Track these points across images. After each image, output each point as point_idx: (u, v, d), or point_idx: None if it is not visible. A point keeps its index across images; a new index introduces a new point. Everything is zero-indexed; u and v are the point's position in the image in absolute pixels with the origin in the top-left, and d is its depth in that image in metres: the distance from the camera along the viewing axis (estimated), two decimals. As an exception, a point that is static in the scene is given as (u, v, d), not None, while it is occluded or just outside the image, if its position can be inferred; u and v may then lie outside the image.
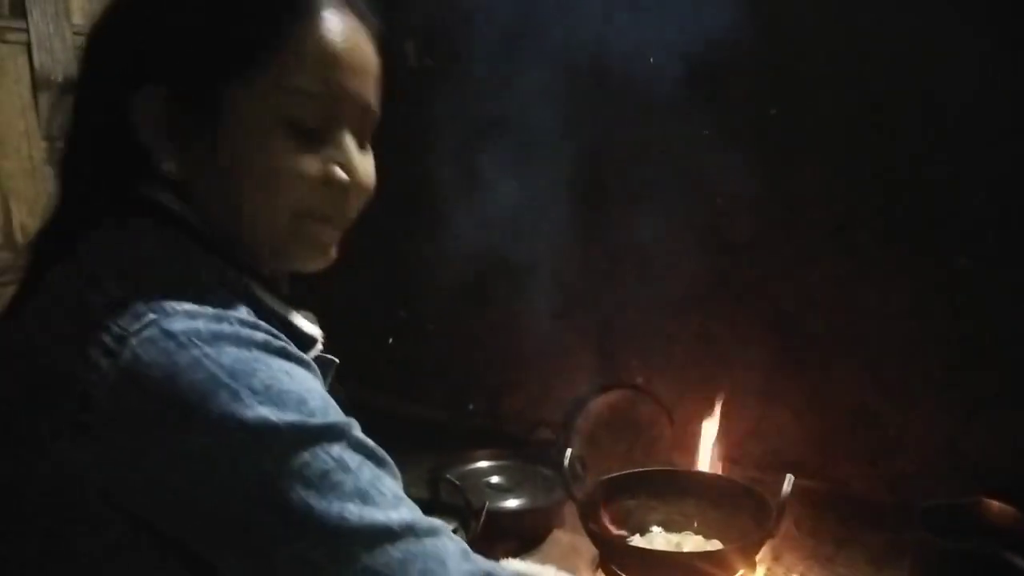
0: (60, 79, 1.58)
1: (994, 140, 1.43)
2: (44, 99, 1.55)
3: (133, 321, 0.52)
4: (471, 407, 2.02)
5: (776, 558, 1.41)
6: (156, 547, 0.53)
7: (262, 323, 0.56)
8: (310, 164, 0.62)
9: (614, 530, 1.38)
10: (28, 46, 1.52)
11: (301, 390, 0.54)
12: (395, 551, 0.53)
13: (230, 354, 0.52)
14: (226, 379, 0.50)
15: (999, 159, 1.43)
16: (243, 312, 0.56)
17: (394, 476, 0.58)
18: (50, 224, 0.64)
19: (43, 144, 1.55)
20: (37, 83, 1.54)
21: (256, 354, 0.53)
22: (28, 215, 1.54)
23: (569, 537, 1.49)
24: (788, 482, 1.24)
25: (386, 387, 2.11)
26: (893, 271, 1.55)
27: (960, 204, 1.48)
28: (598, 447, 1.73)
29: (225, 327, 0.53)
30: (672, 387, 1.75)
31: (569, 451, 1.45)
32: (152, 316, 0.52)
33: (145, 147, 0.60)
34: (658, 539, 1.38)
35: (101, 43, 0.64)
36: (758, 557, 1.30)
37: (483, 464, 1.71)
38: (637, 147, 1.73)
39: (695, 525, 1.41)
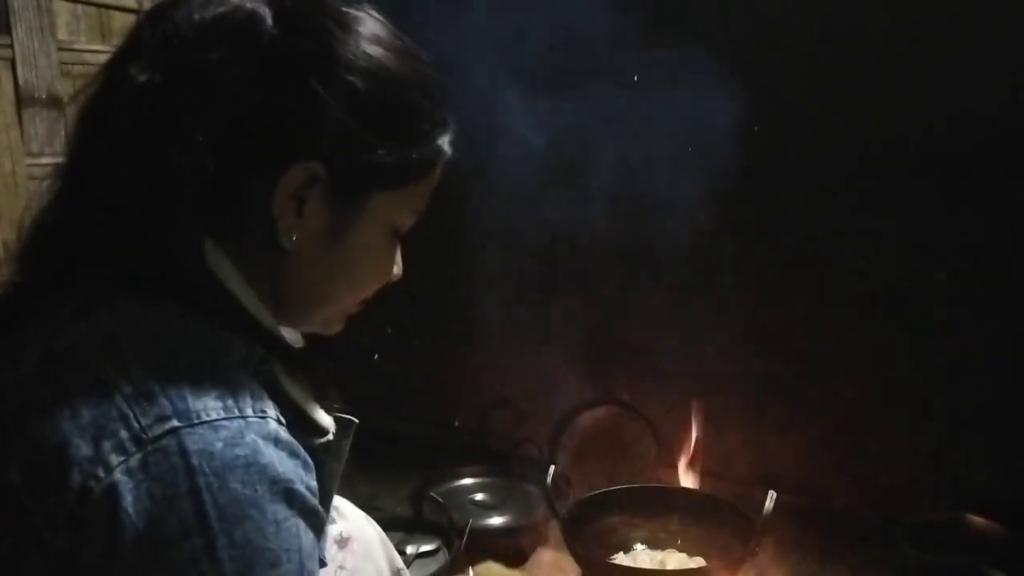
0: (44, 95, 1.58)
1: (975, 158, 1.44)
2: (28, 115, 1.55)
3: (155, 424, 0.50)
4: (457, 424, 2.02)
5: (760, 575, 1.41)
6: None
7: (283, 433, 0.54)
8: (395, 263, 0.71)
9: (596, 548, 1.37)
10: (12, 62, 1.52)
11: (280, 550, 0.51)
12: None
13: (231, 492, 0.49)
14: (212, 520, 0.49)
15: (980, 177, 1.45)
16: (269, 418, 0.54)
17: None
18: (69, 247, 0.58)
19: (26, 160, 1.55)
20: (21, 99, 1.53)
21: (259, 497, 0.50)
22: (11, 232, 1.53)
23: (553, 555, 1.48)
24: (770, 499, 1.24)
25: (373, 404, 2.09)
26: (875, 286, 1.56)
27: (941, 220, 1.49)
28: (584, 463, 1.73)
29: (242, 452, 0.50)
30: (658, 404, 1.75)
31: (552, 468, 1.44)
32: (175, 423, 0.50)
33: (272, 215, 0.59)
34: (642, 556, 1.38)
35: (273, 100, 0.58)
36: (741, 574, 1.29)
37: (468, 481, 1.71)
38: (622, 163, 1.74)
39: (679, 542, 1.41)
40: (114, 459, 0.49)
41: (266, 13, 0.58)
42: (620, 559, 1.37)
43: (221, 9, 0.58)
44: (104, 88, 0.59)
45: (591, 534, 1.39)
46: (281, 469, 0.52)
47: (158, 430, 0.49)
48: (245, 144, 0.58)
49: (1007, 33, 1.38)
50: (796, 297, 1.62)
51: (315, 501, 0.55)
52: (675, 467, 1.57)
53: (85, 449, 0.49)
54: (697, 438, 1.53)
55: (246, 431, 0.51)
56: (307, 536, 0.54)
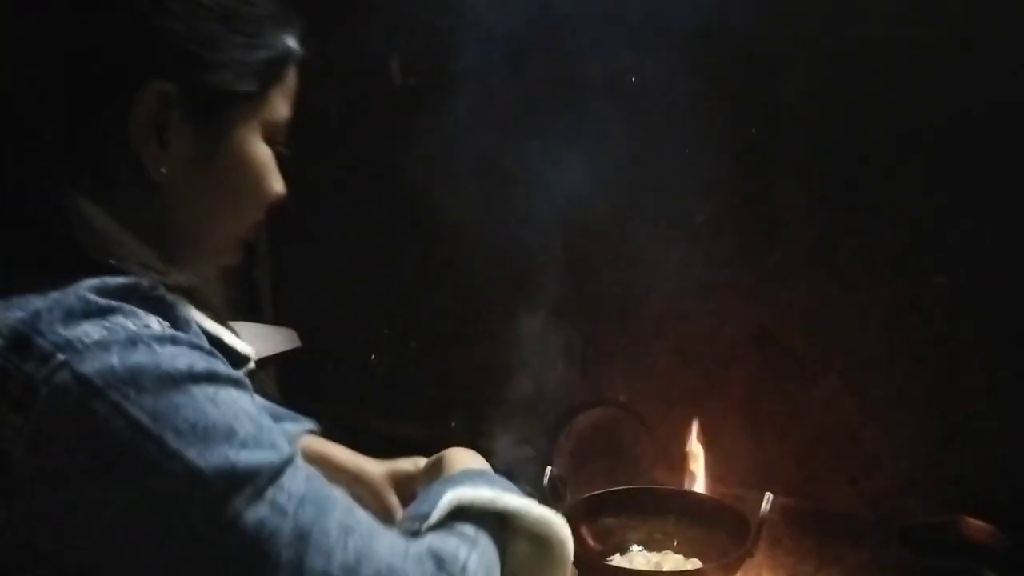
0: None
1: (974, 160, 1.44)
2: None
3: (40, 366, 0.48)
4: (454, 424, 2.01)
5: (756, 577, 1.40)
6: None
7: (179, 334, 0.53)
8: (276, 178, 0.68)
9: (594, 548, 1.37)
10: None
11: (229, 418, 0.51)
12: None
13: (151, 392, 0.49)
14: (147, 423, 0.48)
15: (978, 179, 1.45)
16: (155, 324, 0.52)
17: (337, 502, 0.56)
18: None
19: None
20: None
21: (179, 384, 0.50)
22: None
23: (549, 556, 1.48)
24: (767, 500, 1.24)
25: (368, 404, 2.10)
26: (873, 290, 1.55)
27: (939, 222, 1.49)
28: (580, 465, 1.73)
29: (142, 355, 0.49)
30: (654, 405, 1.75)
31: (549, 469, 1.44)
32: (60, 357, 0.48)
33: (134, 151, 0.58)
34: (638, 558, 1.37)
35: (96, 19, 0.55)
36: (738, 576, 1.29)
37: (464, 482, 1.70)
38: (622, 164, 1.74)
39: (675, 544, 1.40)
40: (16, 418, 0.47)
41: None
42: (616, 561, 1.36)
43: None
44: None
45: (587, 535, 1.38)
46: (188, 358, 0.51)
47: (45, 371, 0.48)
48: (86, 82, 0.55)
49: (1007, 33, 1.38)
50: (793, 299, 1.62)
51: (235, 372, 0.55)
52: (671, 468, 1.57)
53: None
54: (702, 440, 1.52)
55: (137, 338, 0.50)
56: (245, 398, 0.54)
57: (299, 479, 0.54)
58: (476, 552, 0.64)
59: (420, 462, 0.92)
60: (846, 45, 1.50)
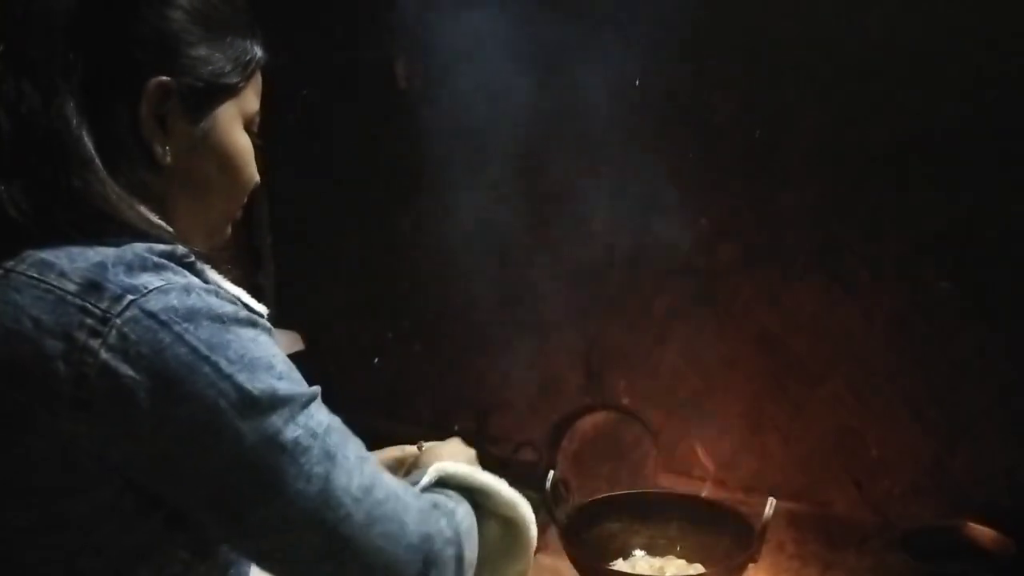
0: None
1: (978, 165, 1.44)
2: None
3: (113, 303, 0.57)
4: (456, 428, 2.01)
5: (760, 582, 1.40)
6: (143, 507, 0.60)
7: (220, 290, 0.63)
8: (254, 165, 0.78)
9: (595, 555, 1.37)
10: None
11: (268, 356, 0.61)
12: (358, 513, 0.62)
13: (206, 328, 0.58)
14: (205, 351, 0.58)
15: (982, 184, 1.44)
16: (201, 283, 0.62)
17: (354, 437, 0.66)
18: None
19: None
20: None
21: (227, 325, 0.60)
22: None
23: (552, 561, 1.47)
24: (770, 505, 1.24)
25: (372, 406, 2.10)
26: (877, 294, 1.55)
27: (943, 228, 1.49)
28: (583, 468, 1.73)
29: (196, 299, 0.59)
30: (657, 409, 1.75)
31: (552, 473, 1.44)
32: (130, 297, 0.57)
33: (145, 139, 0.67)
34: (641, 563, 1.37)
35: (116, 24, 0.65)
36: (741, 581, 1.29)
37: (467, 486, 1.70)
38: (627, 168, 1.74)
39: (678, 549, 1.41)
40: (93, 343, 0.56)
41: None
42: (619, 565, 1.36)
43: None
44: None
45: (590, 540, 1.39)
46: (231, 307, 0.62)
47: (118, 307, 0.57)
48: (100, 80, 0.64)
49: (1013, 34, 1.38)
50: (797, 303, 1.61)
51: (267, 323, 0.65)
52: (675, 472, 1.57)
53: (60, 344, 0.56)
54: (705, 444, 1.52)
55: (190, 288, 0.60)
56: (276, 346, 0.64)
57: (324, 412, 0.64)
58: (461, 508, 0.74)
59: (408, 449, 1.01)
60: (850, 47, 1.50)
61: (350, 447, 0.64)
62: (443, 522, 0.69)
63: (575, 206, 1.78)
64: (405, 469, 0.93)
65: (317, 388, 0.65)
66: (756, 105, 1.59)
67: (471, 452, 0.94)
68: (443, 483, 0.78)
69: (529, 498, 1.66)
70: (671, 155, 1.65)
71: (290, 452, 0.60)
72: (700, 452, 1.56)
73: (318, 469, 0.61)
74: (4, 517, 0.58)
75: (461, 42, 1.69)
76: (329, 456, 0.62)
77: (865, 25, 1.48)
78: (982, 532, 1.39)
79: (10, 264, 0.59)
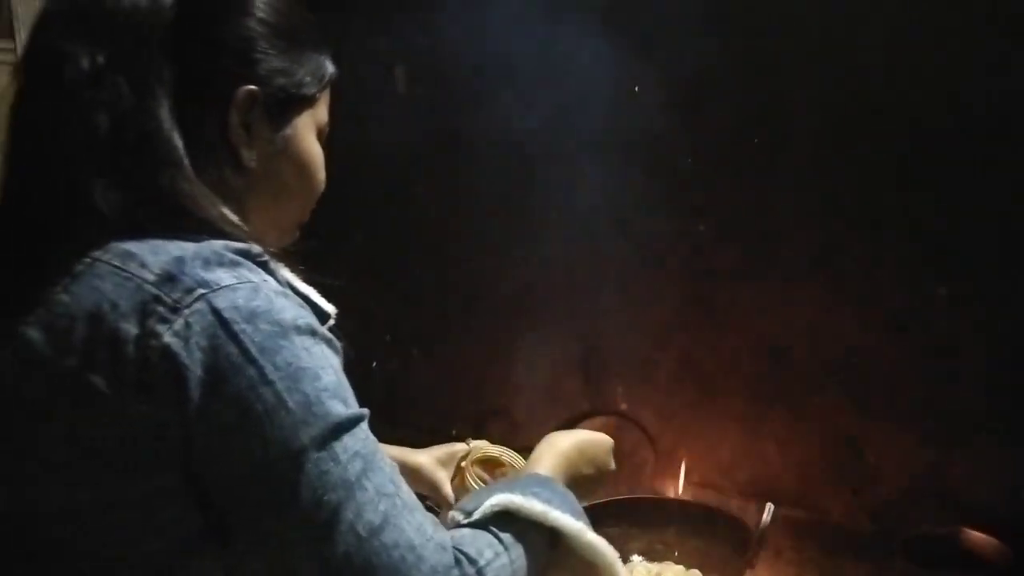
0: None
1: (978, 170, 1.44)
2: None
3: (185, 295, 0.60)
4: (454, 433, 2.01)
5: (757, 588, 1.40)
6: (189, 498, 0.61)
7: (290, 293, 0.66)
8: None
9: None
10: (15, 66, 1.52)
11: (316, 368, 0.62)
12: (358, 556, 0.59)
13: (262, 331, 0.60)
14: (255, 354, 0.60)
15: (982, 189, 1.45)
16: (272, 281, 0.65)
17: (384, 470, 0.64)
18: (60, 210, 0.66)
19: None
20: (22, 103, 1.54)
21: (285, 331, 0.62)
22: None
23: (549, 565, 1.47)
24: (768, 511, 1.24)
25: (370, 412, 2.09)
26: (875, 300, 1.55)
27: (942, 234, 1.49)
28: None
29: (261, 301, 0.62)
30: (655, 414, 1.75)
31: (550, 478, 1.44)
32: (201, 291, 0.60)
33: (232, 143, 0.72)
34: (638, 569, 1.37)
35: (214, 36, 0.71)
36: (738, 587, 1.29)
37: (464, 491, 1.70)
38: (624, 174, 1.74)
39: (676, 554, 1.40)
40: (161, 328, 0.59)
41: None
42: (617, 571, 1.36)
43: None
44: (50, 76, 0.67)
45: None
46: (296, 312, 0.64)
47: (189, 299, 0.60)
48: (192, 87, 0.69)
49: (1012, 41, 1.38)
50: (795, 309, 1.61)
51: (330, 334, 0.66)
52: (673, 478, 1.57)
53: (133, 329, 0.59)
54: (703, 450, 1.51)
55: (259, 288, 0.62)
56: (334, 357, 0.65)
57: (358, 437, 0.63)
58: (503, 558, 0.68)
59: (457, 446, 1.06)
60: (850, 50, 1.50)
61: (373, 479, 0.62)
62: None
63: (572, 212, 1.78)
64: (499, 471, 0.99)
65: (363, 411, 0.65)
66: (755, 110, 1.60)
67: (600, 443, 0.92)
68: (506, 516, 0.72)
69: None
70: (669, 160, 1.66)
71: (308, 472, 0.59)
72: (698, 458, 1.56)
73: (330, 496, 0.59)
74: (75, 496, 0.60)
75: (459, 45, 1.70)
76: (346, 485, 0.60)
77: (865, 27, 1.48)
78: (980, 539, 1.38)
79: (97, 254, 0.62)
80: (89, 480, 0.60)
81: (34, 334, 0.60)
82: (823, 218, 1.58)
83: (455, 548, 0.65)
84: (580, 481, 0.88)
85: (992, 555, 1.36)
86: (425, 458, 1.08)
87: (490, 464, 1.12)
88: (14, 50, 1.51)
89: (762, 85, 1.58)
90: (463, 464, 1.08)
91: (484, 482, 1.08)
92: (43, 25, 0.70)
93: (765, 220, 1.62)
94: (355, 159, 2.12)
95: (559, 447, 0.89)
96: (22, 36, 1.52)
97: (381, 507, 0.61)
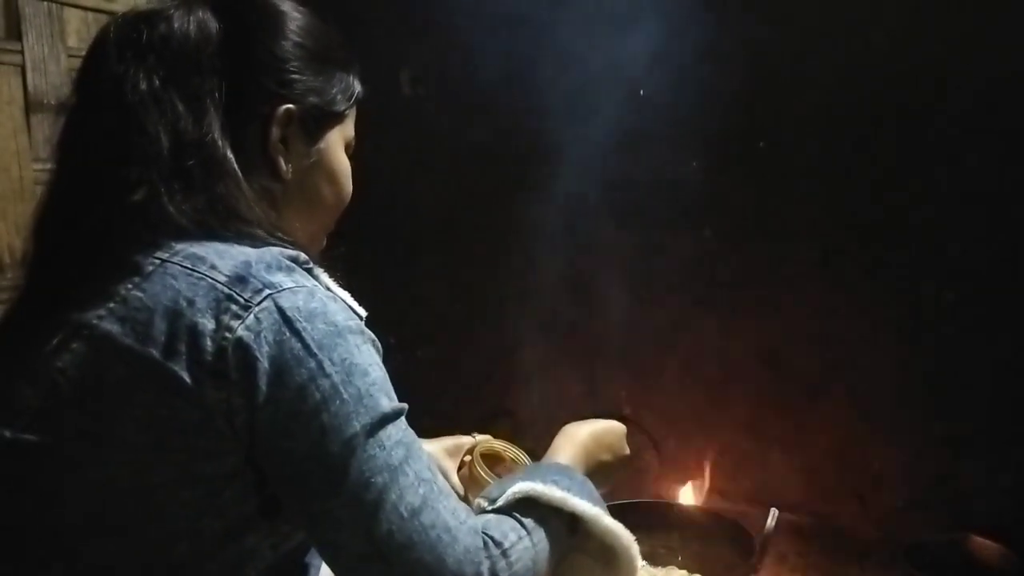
0: (52, 102, 1.58)
1: (982, 176, 1.44)
2: (36, 121, 1.55)
3: (254, 295, 0.66)
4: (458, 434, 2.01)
5: (761, 593, 1.39)
6: (260, 479, 0.67)
7: (337, 297, 0.72)
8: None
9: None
10: (22, 68, 1.53)
11: (366, 365, 0.68)
12: (401, 533, 0.65)
13: (320, 330, 0.67)
14: (315, 349, 0.66)
15: (987, 196, 1.44)
16: (322, 287, 0.71)
17: (422, 459, 0.70)
18: (125, 212, 0.71)
19: (34, 166, 1.56)
20: (30, 105, 1.54)
21: (339, 330, 0.68)
22: (17, 236, 1.54)
23: (553, 569, 1.47)
24: (772, 516, 1.24)
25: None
26: (880, 305, 1.55)
27: (947, 238, 1.49)
28: (584, 478, 1.72)
29: (317, 303, 0.68)
30: (659, 419, 1.74)
31: (554, 481, 1.43)
32: (268, 292, 0.67)
33: (271, 155, 0.78)
34: (642, 573, 1.36)
35: (259, 59, 0.78)
36: (742, 592, 1.28)
37: (468, 494, 1.69)
38: (627, 179, 1.74)
39: (679, 559, 1.40)
40: (234, 323, 0.65)
41: (209, 15, 0.77)
42: (620, 575, 1.35)
43: (183, 23, 0.75)
44: (111, 96, 0.73)
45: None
46: (346, 314, 0.70)
47: (257, 298, 0.66)
48: (238, 104, 0.76)
49: (1018, 38, 1.38)
50: (800, 314, 1.61)
51: (373, 335, 0.72)
52: (676, 483, 1.56)
53: (209, 324, 0.65)
54: (707, 455, 1.51)
55: (314, 292, 0.69)
56: (378, 355, 0.72)
57: (399, 428, 0.70)
58: (525, 542, 0.73)
59: (463, 439, 1.11)
60: (853, 56, 1.50)
61: (413, 465, 0.68)
62: (486, 565, 0.69)
63: (577, 215, 1.78)
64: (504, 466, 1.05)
65: (403, 405, 0.71)
66: (759, 115, 1.59)
67: (614, 430, 0.98)
68: (528, 502, 0.77)
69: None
70: (673, 165, 1.65)
71: (359, 457, 0.65)
72: (702, 462, 1.56)
73: (377, 479, 0.66)
74: (148, 474, 0.65)
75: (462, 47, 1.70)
76: (391, 469, 0.66)
77: (869, 34, 1.48)
78: (986, 546, 1.38)
79: (165, 256, 0.68)
80: (161, 461, 0.65)
81: (112, 326, 0.65)
82: (827, 223, 1.58)
83: (483, 531, 0.71)
84: (598, 467, 0.94)
85: (998, 562, 1.35)
86: (434, 447, 1.12)
87: (492, 458, 1.15)
88: (21, 51, 1.51)
89: (765, 90, 1.58)
90: (468, 457, 1.11)
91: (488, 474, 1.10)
92: (100, 49, 0.75)
93: (769, 225, 1.62)
94: (360, 160, 2.13)
95: (576, 437, 0.94)
96: (30, 39, 1.53)
97: (420, 491, 0.67)
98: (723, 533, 1.36)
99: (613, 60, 1.65)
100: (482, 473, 1.09)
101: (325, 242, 0.90)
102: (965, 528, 1.41)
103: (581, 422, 0.99)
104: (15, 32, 1.51)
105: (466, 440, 1.15)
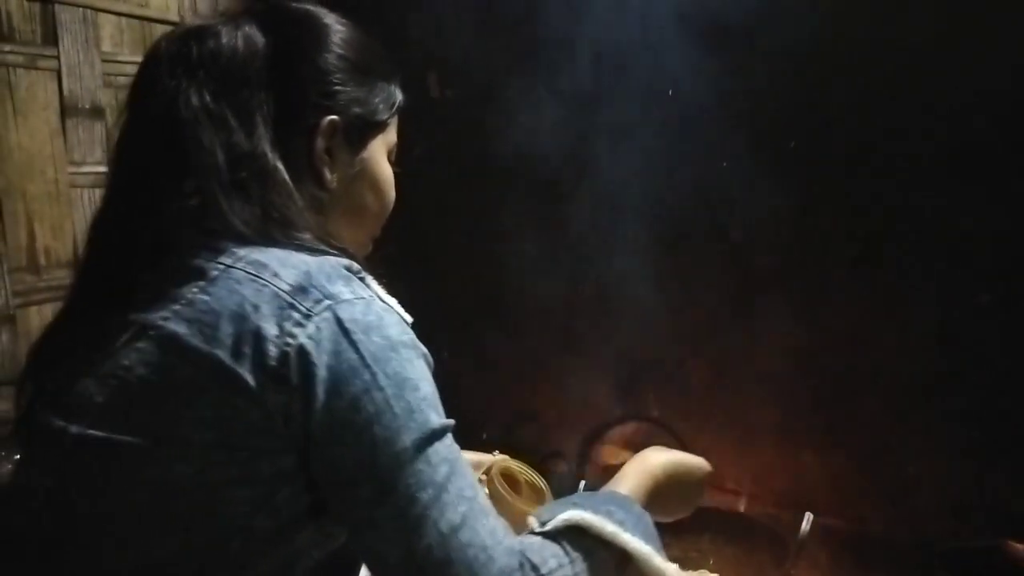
0: (87, 106, 1.60)
1: (1020, 175, 1.42)
2: (71, 125, 1.58)
3: (315, 305, 0.69)
4: (485, 437, 2.01)
5: (794, 598, 1.38)
6: (299, 481, 0.69)
7: (391, 309, 0.74)
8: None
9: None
10: (58, 73, 1.55)
11: (417, 379, 0.70)
12: (439, 549, 0.66)
13: (376, 343, 0.69)
14: (370, 361, 0.68)
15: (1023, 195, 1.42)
16: (377, 298, 0.73)
17: (465, 476, 0.71)
18: (191, 221, 0.74)
19: (69, 169, 1.58)
20: (65, 109, 1.56)
21: (393, 344, 0.70)
22: (52, 238, 1.56)
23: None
24: (807, 520, 1.23)
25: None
26: (915, 307, 1.53)
27: (983, 239, 1.46)
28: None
29: (373, 315, 0.70)
30: (689, 421, 1.73)
31: (583, 483, 1.43)
32: (328, 302, 0.69)
33: (316, 166, 0.81)
34: (673, 576, 1.36)
35: (308, 75, 0.81)
36: (775, 597, 1.27)
37: (496, 495, 1.69)
38: (655, 179, 1.73)
39: (711, 562, 1.39)
40: (297, 331, 0.67)
41: (255, 30, 0.80)
42: (651, 579, 1.35)
43: (231, 38, 0.78)
44: (165, 111, 0.75)
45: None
46: (401, 328, 0.72)
47: (318, 308, 0.69)
48: (285, 117, 0.78)
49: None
50: (833, 317, 1.59)
51: (425, 349, 0.75)
52: (707, 486, 1.55)
53: (273, 330, 0.67)
54: (739, 458, 1.50)
55: (371, 304, 0.71)
56: (428, 370, 0.73)
57: (446, 444, 0.71)
58: (566, 570, 0.72)
59: (484, 457, 1.13)
60: (891, 55, 1.48)
61: (456, 483, 0.69)
62: None
63: (604, 217, 1.78)
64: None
65: (450, 421, 0.72)
66: (793, 114, 1.58)
67: (693, 471, 0.96)
68: (577, 531, 0.76)
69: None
70: (704, 165, 1.64)
71: (407, 471, 0.67)
72: (732, 466, 1.54)
73: (422, 495, 0.67)
74: (209, 472, 0.67)
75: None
76: (435, 485, 0.68)
77: (906, 32, 1.46)
78: (1022, 552, 1.35)
79: (229, 262, 0.71)
80: (222, 460, 0.67)
81: (179, 327, 0.68)
82: (860, 224, 1.56)
83: (522, 552, 0.70)
84: (662, 503, 0.90)
85: (1036, 568, 1.33)
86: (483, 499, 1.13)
87: (509, 479, 1.16)
88: (57, 57, 1.53)
89: (801, 87, 1.57)
90: (489, 474, 1.12)
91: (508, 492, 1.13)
92: (152, 65, 0.77)
93: (802, 226, 1.61)
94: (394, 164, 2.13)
95: (649, 465, 0.91)
96: (65, 44, 1.55)
97: (461, 509, 0.68)
98: (756, 537, 1.36)
99: (643, 57, 1.65)
100: (501, 491, 1.10)
101: (371, 248, 0.92)
102: (1002, 534, 1.39)
103: (661, 449, 0.96)
104: (51, 38, 1.54)
105: (487, 458, 1.17)
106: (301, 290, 0.69)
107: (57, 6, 1.54)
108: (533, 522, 0.77)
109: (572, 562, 0.73)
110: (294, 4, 0.86)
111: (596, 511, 0.77)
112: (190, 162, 0.73)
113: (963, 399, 1.50)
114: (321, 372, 0.67)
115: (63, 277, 1.57)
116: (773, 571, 1.25)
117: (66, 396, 0.70)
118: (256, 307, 0.68)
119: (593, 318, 1.84)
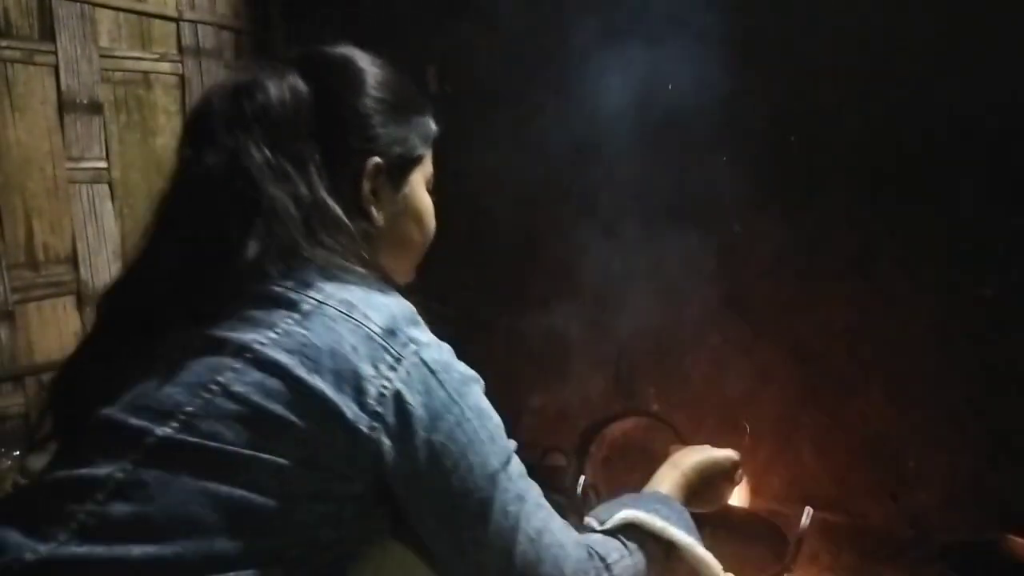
0: (85, 101, 1.60)
1: (1022, 170, 1.41)
2: (69, 120, 1.57)
3: (403, 348, 0.75)
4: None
5: (793, 593, 1.38)
6: (376, 503, 0.75)
7: (450, 348, 0.80)
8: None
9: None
10: (56, 68, 1.55)
11: (488, 409, 0.78)
12: (531, 551, 0.76)
13: (455, 379, 0.76)
14: (456, 397, 0.75)
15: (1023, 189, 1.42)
16: (444, 342, 0.80)
17: (535, 487, 0.79)
18: (270, 254, 0.78)
19: (67, 164, 1.58)
20: (63, 104, 1.56)
21: (465, 379, 0.78)
22: (51, 234, 1.56)
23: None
24: (807, 515, 1.22)
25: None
26: (916, 300, 1.53)
27: (985, 233, 1.46)
28: (612, 474, 1.72)
29: (445, 355, 0.78)
30: (689, 416, 1.73)
31: (583, 478, 1.43)
32: (413, 347, 0.76)
33: (364, 207, 0.86)
34: (673, 571, 1.36)
35: (357, 119, 0.86)
36: (775, 591, 1.27)
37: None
38: (657, 175, 1.73)
39: (711, 558, 1.39)
40: (391, 374, 0.74)
41: (298, 80, 0.85)
42: (650, 573, 1.35)
43: (279, 90, 0.83)
44: (231, 166, 0.79)
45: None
46: (464, 364, 0.80)
47: (407, 352, 0.75)
48: (332, 163, 0.84)
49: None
50: (834, 312, 1.59)
51: (481, 379, 0.81)
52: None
53: (369, 370, 0.73)
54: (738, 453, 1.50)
55: (441, 346, 0.79)
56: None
57: (518, 462, 0.79)
58: (627, 561, 0.83)
59: None
60: (888, 53, 1.48)
61: (531, 493, 0.78)
62: (593, 572, 0.80)
63: (605, 212, 1.77)
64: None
65: (515, 442, 0.80)
66: (790, 110, 1.58)
67: (721, 467, 1.07)
68: (630, 527, 0.87)
69: (557, 503, 1.67)
70: (703, 161, 1.64)
71: (498, 488, 0.76)
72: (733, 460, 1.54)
73: (512, 508, 0.76)
74: (292, 485, 0.72)
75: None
76: (520, 498, 0.77)
77: (903, 30, 1.46)
78: (1022, 546, 1.36)
79: (319, 297, 0.76)
80: (305, 476, 0.72)
81: (281, 356, 0.73)
82: (860, 218, 1.56)
83: (590, 546, 0.81)
84: (696, 499, 1.04)
85: (1036, 563, 1.33)
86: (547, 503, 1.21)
87: None
88: (55, 52, 1.53)
89: (798, 84, 1.56)
90: None
91: None
92: (205, 123, 0.81)
93: (800, 220, 1.60)
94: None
95: (681, 466, 1.04)
96: (63, 39, 1.54)
97: (540, 514, 0.78)
98: (756, 532, 1.35)
99: (636, 56, 1.65)
100: None
101: (414, 275, 0.98)
102: (1001, 528, 1.39)
103: (692, 450, 1.08)
104: (48, 33, 1.53)
105: None
106: (391, 333, 0.75)
107: (54, 1, 1.53)
108: (592, 522, 0.88)
109: (631, 553, 0.84)
110: (329, 50, 0.90)
111: (646, 510, 0.89)
112: (261, 210, 0.78)
113: (964, 393, 1.50)
114: (418, 411, 0.74)
115: (61, 273, 1.57)
116: (772, 566, 1.25)
117: (144, 399, 0.73)
118: (355, 348, 0.74)
119: (593, 313, 1.84)
